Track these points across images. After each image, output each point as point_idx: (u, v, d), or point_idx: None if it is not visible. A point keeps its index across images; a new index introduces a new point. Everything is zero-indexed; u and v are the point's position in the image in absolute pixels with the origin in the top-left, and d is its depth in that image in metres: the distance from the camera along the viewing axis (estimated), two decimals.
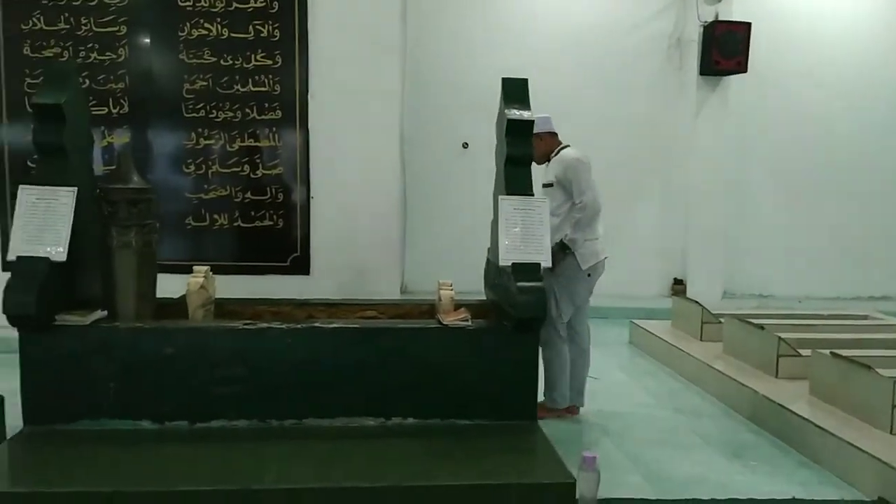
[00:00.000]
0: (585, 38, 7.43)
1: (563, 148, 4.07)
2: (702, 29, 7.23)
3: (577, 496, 2.57)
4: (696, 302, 5.46)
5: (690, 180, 7.49)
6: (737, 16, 7.20)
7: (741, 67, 7.14)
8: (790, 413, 3.63)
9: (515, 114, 3.19)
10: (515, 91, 3.32)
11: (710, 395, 4.46)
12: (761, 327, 4.46)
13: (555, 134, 4.10)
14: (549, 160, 4.06)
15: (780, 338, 4.25)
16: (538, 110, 3.59)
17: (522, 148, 3.19)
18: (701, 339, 5.19)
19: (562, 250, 3.77)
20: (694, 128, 7.42)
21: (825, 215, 7.86)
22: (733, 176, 7.57)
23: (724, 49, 7.10)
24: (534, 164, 3.58)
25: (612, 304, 6.96)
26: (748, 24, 7.09)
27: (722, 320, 5.02)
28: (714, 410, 4.23)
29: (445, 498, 2.46)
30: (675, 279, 7.60)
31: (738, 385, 4.17)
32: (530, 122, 3.23)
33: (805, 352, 4.15)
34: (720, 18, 7.18)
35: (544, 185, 3.99)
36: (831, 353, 3.76)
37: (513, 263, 3.02)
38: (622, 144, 7.53)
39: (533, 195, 3.21)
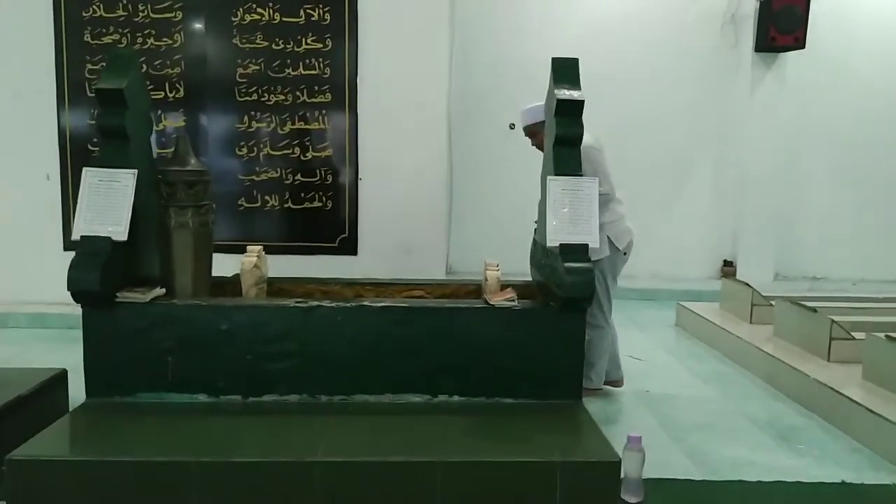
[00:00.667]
0: (637, 16, 7.32)
1: None
2: (758, 4, 7.04)
3: (622, 475, 2.59)
4: (747, 284, 5.37)
5: (743, 161, 7.34)
6: None
7: (799, 44, 6.94)
8: (842, 396, 3.58)
9: (565, 94, 3.17)
10: (565, 71, 3.29)
11: (759, 379, 4.41)
12: (814, 310, 4.38)
13: None
14: None
15: (832, 320, 4.17)
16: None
17: (572, 128, 3.16)
18: (750, 322, 5.12)
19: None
20: (748, 107, 7.26)
21: (881, 198, 7.62)
22: (788, 156, 7.39)
23: (782, 24, 6.91)
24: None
25: (660, 286, 6.95)
26: None
27: (773, 303, 4.94)
28: (762, 394, 4.19)
29: (490, 474, 2.51)
30: (725, 261, 7.48)
31: (788, 368, 4.11)
32: (580, 102, 3.20)
33: (858, 335, 4.07)
34: None
35: None
36: (886, 336, 3.68)
37: (560, 244, 3.02)
38: (674, 124, 7.43)
39: (582, 175, 3.18)
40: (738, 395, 4.18)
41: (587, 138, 3.65)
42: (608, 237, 3.87)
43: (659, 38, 7.31)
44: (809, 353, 4.28)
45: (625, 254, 3.98)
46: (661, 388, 4.24)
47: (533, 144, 3.96)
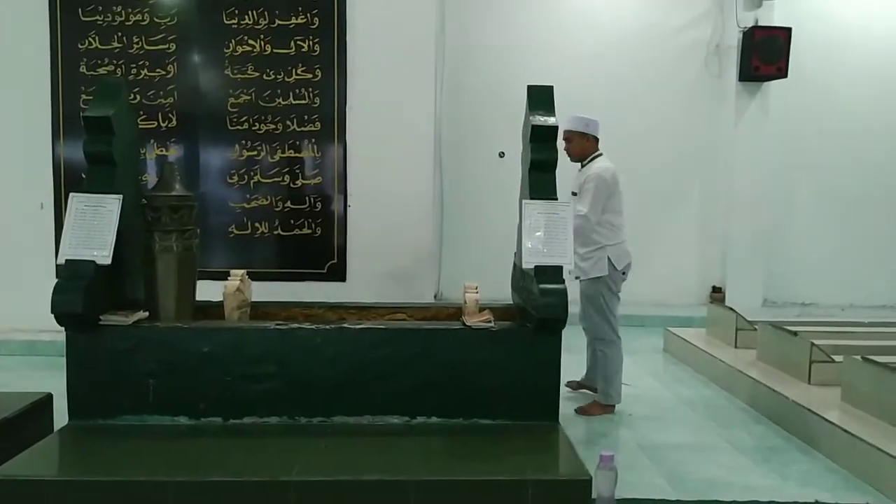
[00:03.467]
0: (622, 46, 7.47)
1: (597, 156, 4.28)
2: (741, 35, 7.20)
3: (595, 494, 2.62)
4: (731, 309, 5.43)
5: (730, 187, 7.43)
6: (777, 21, 7.17)
7: (782, 73, 7.08)
8: (819, 418, 3.61)
9: (540, 119, 3.26)
10: (540, 98, 3.38)
11: (742, 402, 4.44)
12: (794, 333, 4.42)
13: (597, 140, 4.30)
14: (582, 164, 4.30)
15: (812, 344, 4.21)
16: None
17: (546, 153, 3.24)
18: (735, 347, 5.16)
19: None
20: (733, 134, 7.37)
21: (870, 222, 7.71)
22: (774, 183, 7.48)
23: (764, 54, 7.05)
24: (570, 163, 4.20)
25: (649, 312, 6.99)
26: (789, 29, 7.04)
27: (756, 327, 4.98)
28: (745, 416, 4.21)
29: (463, 492, 2.54)
30: (714, 287, 7.53)
31: (769, 391, 4.14)
32: (554, 128, 3.28)
33: (839, 358, 4.11)
34: (759, 24, 7.14)
35: (573, 193, 4.25)
36: (863, 358, 3.72)
37: (535, 266, 3.08)
38: (661, 152, 7.53)
39: (557, 199, 3.26)
40: (720, 418, 4.21)
41: (602, 166, 4.18)
42: (608, 257, 4.16)
43: (645, 68, 7.45)
44: (791, 377, 4.31)
45: (623, 273, 4.27)
46: (644, 411, 4.27)
47: (564, 149, 4.20)
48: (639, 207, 7.53)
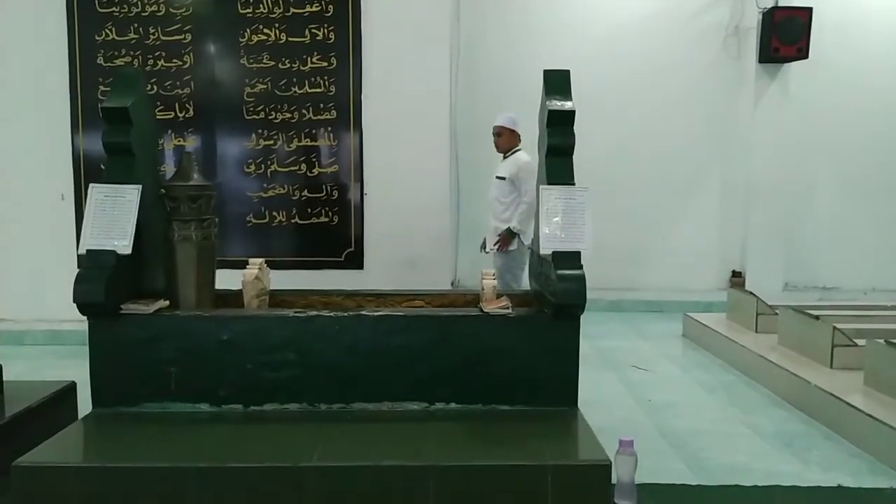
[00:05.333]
0: (640, 29, 7.39)
1: (518, 150, 5.04)
2: (760, 15, 7.10)
3: (615, 479, 2.62)
4: (752, 293, 5.38)
5: (750, 171, 7.36)
6: (797, 1, 7.04)
7: (802, 54, 6.98)
8: (842, 403, 3.57)
9: (557, 104, 3.22)
10: (557, 82, 3.34)
11: (763, 387, 4.40)
12: (816, 317, 4.38)
13: (519, 135, 5.06)
14: (505, 155, 5.05)
15: (834, 328, 4.17)
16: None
17: (563, 138, 3.21)
18: (756, 331, 5.12)
19: (511, 236, 4.91)
20: (753, 117, 7.29)
21: (892, 205, 7.61)
22: (795, 166, 7.39)
23: (784, 35, 6.95)
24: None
25: (668, 298, 6.96)
26: (809, 9, 6.93)
27: (777, 311, 4.93)
28: (766, 401, 4.18)
29: (482, 477, 2.54)
30: (734, 272, 7.48)
31: (790, 376, 4.11)
32: (572, 113, 3.25)
33: (861, 342, 4.06)
34: (779, 4, 7.03)
35: (497, 177, 5.03)
36: (886, 341, 3.67)
37: (553, 252, 3.06)
38: (679, 136, 7.47)
39: (574, 184, 3.23)
40: (740, 403, 4.18)
41: (528, 157, 4.89)
42: (518, 235, 4.93)
43: (663, 51, 7.37)
44: (812, 361, 4.28)
45: (529, 248, 4.59)
46: (663, 398, 4.25)
47: (495, 142, 5.14)
48: (657, 192, 7.53)
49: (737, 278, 7.39)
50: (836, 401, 3.63)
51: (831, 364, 4.14)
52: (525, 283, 4.62)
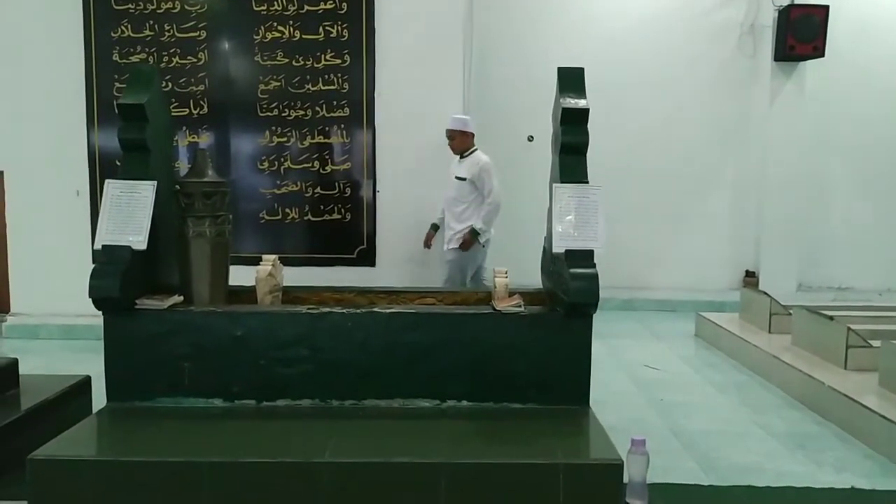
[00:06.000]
0: (654, 27, 7.36)
1: (475, 150, 5.13)
2: (776, 13, 7.04)
3: (627, 479, 2.61)
4: (765, 293, 5.35)
5: (764, 170, 7.31)
6: None
7: (818, 52, 6.92)
8: (856, 404, 3.55)
9: (571, 102, 3.21)
10: (571, 80, 3.33)
11: (776, 387, 4.38)
12: (830, 318, 4.35)
13: (472, 135, 5.16)
14: (462, 155, 5.12)
15: (849, 328, 4.14)
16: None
17: (577, 136, 3.19)
18: (769, 332, 5.09)
19: (474, 236, 4.99)
20: (768, 115, 7.24)
21: None
22: (810, 165, 7.34)
23: (800, 33, 6.90)
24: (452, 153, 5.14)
25: (681, 297, 6.93)
26: (826, 7, 6.87)
27: (791, 312, 4.90)
28: (779, 402, 4.16)
29: (494, 475, 2.54)
30: (747, 271, 7.44)
31: (804, 376, 4.09)
32: (586, 111, 3.23)
33: (876, 343, 4.03)
34: (796, 2, 6.97)
35: (458, 178, 5.06)
36: None
37: (566, 250, 3.06)
38: (693, 134, 7.44)
39: (588, 182, 3.22)
40: (753, 403, 4.16)
41: (486, 157, 5.09)
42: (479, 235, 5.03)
43: (677, 49, 7.34)
44: (826, 362, 4.25)
45: (483, 246, 5.10)
46: (675, 397, 4.24)
47: (449, 145, 5.20)
48: (671, 190, 7.49)
49: (750, 278, 7.35)
50: (850, 402, 3.61)
51: (845, 365, 4.11)
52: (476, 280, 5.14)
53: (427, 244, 5.42)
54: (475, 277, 5.20)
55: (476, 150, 5.17)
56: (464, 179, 5.05)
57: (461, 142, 5.12)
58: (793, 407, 4.06)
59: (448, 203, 5.17)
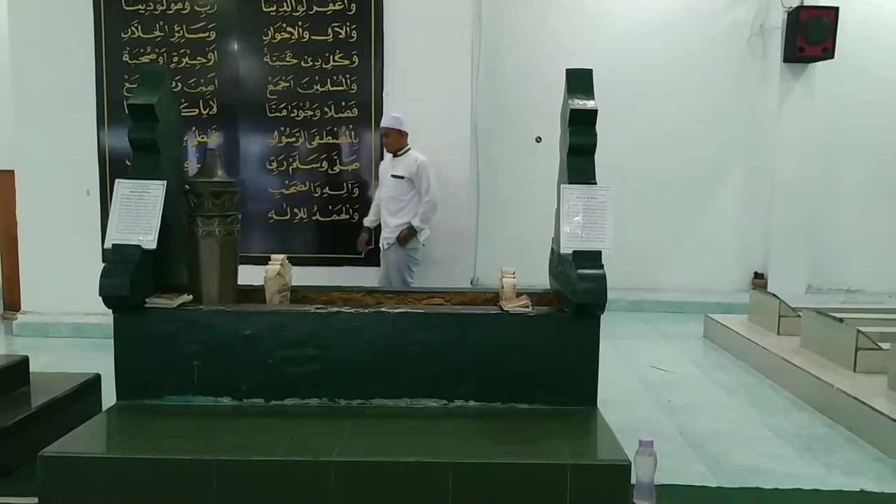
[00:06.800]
0: (663, 27, 7.35)
1: (409, 149, 5.09)
2: (786, 15, 7.02)
3: (634, 480, 2.61)
4: (774, 295, 5.33)
5: (774, 171, 7.28)
6: (823, 0, 6.95)
7: (828, 54, 6.89)
8: (865, 406, 3.53)
9: (579, 103, 3.21)
10: (579, 81, 3.33)
11: (785, 390, 4.36)
12: (840, 320, 4.33)
13: (407, 133, 5.10)
14: (396, 154, 5.09)
15: (858, 331, 4.12)
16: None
17: (585, 137, 3.20)
18: (778, 333, 5.07)
19: (412, 233, 5.00)
20: (777, 117, 7.20)
21: None
22: (820, 166, 7.31)
23: (810, 35, 6.87)
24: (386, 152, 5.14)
25: (689, 299, 6.92)
26: (835, 9, 6.84)
27: (800, 314, 4.89)
28: (787, 404, 4.15)
29: (500, 476, 2.55)
30: (756, 273, 7.41)
31: (813, 379, 4.07)
32: (594, 112, 3.24)
33: (886, 346, 4.01)
34: (805, 3, 6.95)
35: (394, 176, 5.04)
36: None
37: (574, 251, 3.06)
38: (703, 136, 7.43)
39: (595, 183, 3.22)
40: (761, 405, 4.15)
41: (422, 155, 5.05)
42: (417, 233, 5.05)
43: (687, 50, 7.32)
44: (835, 364, 4.23)
45: (423, 244, 5.13)
46: (683, 399, 4.23)
47: (383, 143, 5.18)
48: (679, 192, 7.48)
49: (759, 280, 7.33)
50: (860, 404, 3.59)
51: (855, 367, 4.09)
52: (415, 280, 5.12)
53: (360, 248, 5.40)
54: (404, 279, 5.11)
55: (410, 148, 5.12)
56: (401, 178, 5.03)
57: (396, 140, 5.07)
58: (801, 409, 4.04)
59: (385, 202, 5.12)
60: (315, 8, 5.58)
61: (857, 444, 3.49)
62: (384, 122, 5.09)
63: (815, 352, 4.51)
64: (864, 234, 7.48)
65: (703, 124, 7.40)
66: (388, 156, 5.20)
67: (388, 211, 5.11)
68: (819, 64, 7.05)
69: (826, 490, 2.95)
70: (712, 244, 7.48)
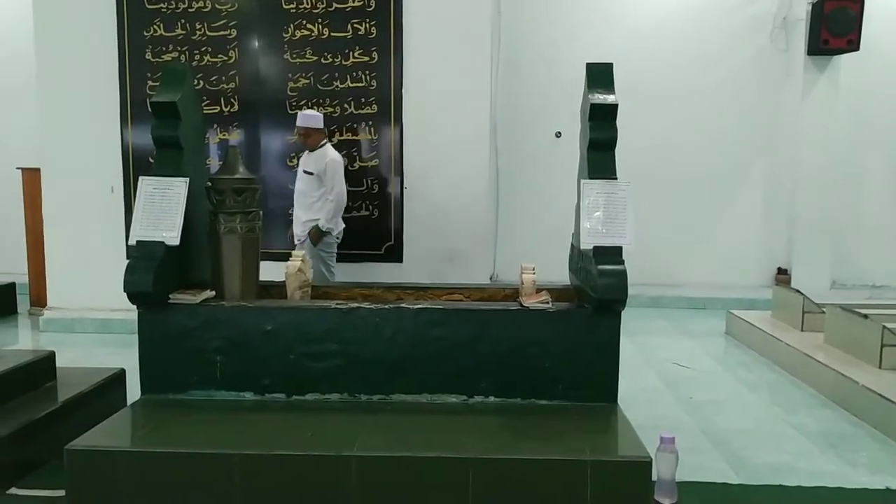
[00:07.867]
0: (685, 20, 7.28)
1: (325, 143, 5.19)
2: (810, 6, 6.92)
3: (656, 476, 2.60)
4: (798, 291, 5.27)
5: (797, 165, 7.20)
6: None
7: (853, 46, 6.78)
8: (891, 403, 3.49)
9: (600, 98, 3.20)
10: (600, 76, 3.32)
11: (808, 386, 4.32)
12: (865, 316, 4.27)
13: (324, 130, 5.25)
14: (311, 150, 5.16)
15: (884, 327, 4.06)
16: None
17: (606, 132, 3.18)
18: (802, 330, 5.01)
19: (320, 235, 5.05)
20: (801, 111, 7.11)
21: None
22: (844, 161, 7.20)
23: (835, 27, 6.76)
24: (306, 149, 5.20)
25: (712, 295, 6.86)
26: (861, 0, 6.72)
27: (824, 310, 4.83)
28: (811, 401, 4.10)
29: (520, 472, 2.55)
30: (779, 269, 7.33)
31: (838, 375, 4.02)
32: (615, 106, 3.22)
33: None
34: None
35: (305, 172, 5.14)
36: None
37: (594, 247, 3.05)
38: (724, 129, 7.35)
39: (616, 178, 3.20)
40: (785, 402, 4.11)
41: (333, 152, 5.15)
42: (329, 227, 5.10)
43: (708, 42, 7.25)
44: (860, 361, 4.18)
45: (337, 238, 5.19)
46: (705, 396, 4.20)
47: (301, 141, 5.26)
48: (701, 186, 7.41)
49: (782, 275, 7.24)
50: (885, 401, 3.55)
51: (880, 364, 4.04)
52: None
53: (291, 240, 5.33)
54: (323, 273, 5.11)
55: (325, 144, 5.18)
56: (311, 174, 5.09)
57: (314, 138, 5.14)
58: (825, 406, 4.00)
59: (296, 196, 5.22)
60: (335, 5, 5.60)
61: (883, 442, 3.45)
62: (303, 121, 5.15)
63: (839, 348, 4.46)
64: (889, 228, 7.37)
65: (725, 119, 7.33)
66: (306, 151, 5.27)
67: (298, 205, 5.22)
68: (844, 56, 6.94)
69: (850, 488, 2.91)
70: (735, 239, 7.41)
